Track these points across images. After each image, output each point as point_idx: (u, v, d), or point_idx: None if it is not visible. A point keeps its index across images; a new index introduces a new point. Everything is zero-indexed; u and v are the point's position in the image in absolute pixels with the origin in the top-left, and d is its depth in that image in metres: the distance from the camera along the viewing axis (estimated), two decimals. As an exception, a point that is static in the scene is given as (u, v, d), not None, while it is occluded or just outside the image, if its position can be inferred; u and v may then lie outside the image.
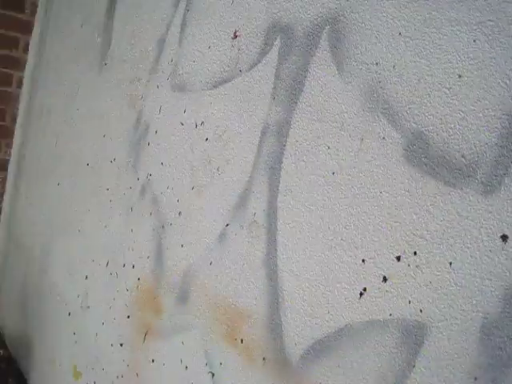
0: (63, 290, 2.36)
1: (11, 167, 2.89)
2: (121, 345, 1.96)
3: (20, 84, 2.82)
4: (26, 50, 2.80)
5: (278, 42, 1.37)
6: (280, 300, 1.36)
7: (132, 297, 1.92)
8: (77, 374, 2.23)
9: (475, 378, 0.91)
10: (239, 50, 1.49)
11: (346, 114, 1.19)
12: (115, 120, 2.08)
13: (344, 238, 1.17)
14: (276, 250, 1.37)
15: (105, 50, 2.17)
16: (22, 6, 2.74)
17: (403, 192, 1.06)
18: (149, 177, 1.87)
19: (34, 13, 2.79)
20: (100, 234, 2.11)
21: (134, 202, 1.92)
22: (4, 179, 2.91)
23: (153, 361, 1.76)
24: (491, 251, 0.90)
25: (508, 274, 0.88)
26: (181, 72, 1.74)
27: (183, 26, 1.72)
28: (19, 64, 2.80)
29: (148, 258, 1.83)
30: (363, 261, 1.13)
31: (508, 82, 0.91)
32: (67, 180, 2.39)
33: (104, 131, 2.14)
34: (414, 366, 1.01)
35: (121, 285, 1.98)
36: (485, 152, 0.93)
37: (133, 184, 1.93)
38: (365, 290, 1.12)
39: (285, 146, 1.35)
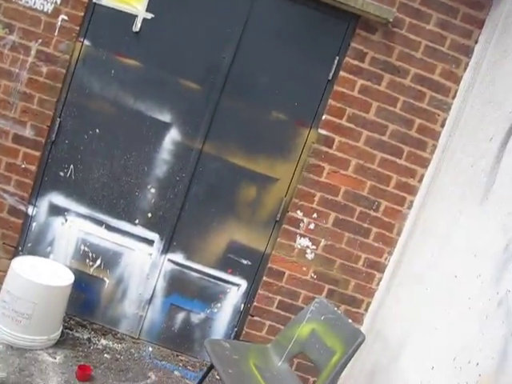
0: (409, 376, 2.98)
1: (388, 270, 3.76)
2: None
3: (410, 205, 3.72)
4: (420, 180, 3.71)
5: None
6: None
7: (471, 389, 2.43)
8: None
9: None
10: None
11: None
12: (486, 244, 2.69)
13: None
14: None
15: (488, 187, 2.84)
16: (425, 147, 3.68)
17: None
18: (507, 293, 2.39)
19: (432, 152, 3.69)
20: (453, 333, 2.70)
21: (490, 311, 2.46)
22: (379, 279, 3.80)
23: None
24: None
25: None
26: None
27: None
28: (413, 190, 3.71)
29: (492, 358, 2.33)
30: None
31: None
32: (434, 286, 3.08)
33: (475, 252, 2.77)
34: None
35: (462, 378, 2.50)
36: None
37: (492, 296, 2.48)
38: None
39: None
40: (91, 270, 3.81)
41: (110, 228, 3.77)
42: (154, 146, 3.67)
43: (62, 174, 3.70)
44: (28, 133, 3.61)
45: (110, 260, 3.81)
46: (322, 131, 3.64)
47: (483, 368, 2.38)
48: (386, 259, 3.79)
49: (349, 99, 3.62)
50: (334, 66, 3.61)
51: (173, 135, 3.67)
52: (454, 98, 3.66)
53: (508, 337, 2.28)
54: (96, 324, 3.87)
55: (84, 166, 3.70)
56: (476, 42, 3.62)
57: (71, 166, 3.70)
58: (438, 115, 3.67)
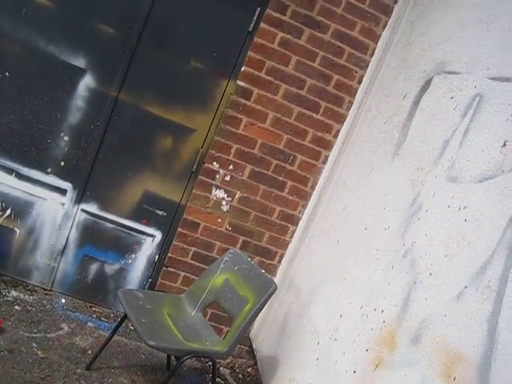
0: (318, 323, 3.05)
1: (301, 223, 3.80)
2: (354, 372, 2.54)
3: (325, 160, 3.75)
4: (336, 135, 3.74)
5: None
6: (494, 350, 1.81)
7: (374, 335, 2.50)
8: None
9: None
10: (505, 155, 2.04)
11: None
12: (396, 198, 2.75)
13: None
14: (500, 310, 1.84)
15: (400, 143, 2.89)
16: (341, 103, 3.71)
17: None
18: (412, 244, 2.46)
19: (349, 108, 3.72)
20: (361, 283, 2.77)
21: (396, 262, 2.53)
22: (293, 232, 3.83)
23: (380, 384, 2.31)
24: None
25: None
26: (456, 167, 2.34)
27: (465, 132, 2.33)
28: (328, 145, 3.74)
29: (396, 306, 2.41)
30: None
31: None
32: (345, 239, 3.13)
33: (385, 205, 2.83)
34: None
35: (368, 324, 2.58)
36: None
37: (398, 248, 2.55)
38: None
39: (525, 230, 1.85)
40: (1, 220, 3.60)
41: (20, 177, 3.56)
42: (68, 92, 3.48)
43: (-33, 118, 3.44)
44: None
45: (21, 210, 3.61)
46: (241, 83, 3.57)
47: (387, 314, 2.45)
48: (299, 212, 3.82)
49: (268, 52, 3.55)
50: (255, 18, 3.53)
51: (87, 81, 3.48)
52: (371, 55, 3.69)
53: (411, 285, 2.35)
54: (6, 275, 3.69)
55: (-8, 110, 3.46)
56: (396, 2, 3.64)
57: (-22, 111, 3.45)
58: (356, 72, 3.68)
